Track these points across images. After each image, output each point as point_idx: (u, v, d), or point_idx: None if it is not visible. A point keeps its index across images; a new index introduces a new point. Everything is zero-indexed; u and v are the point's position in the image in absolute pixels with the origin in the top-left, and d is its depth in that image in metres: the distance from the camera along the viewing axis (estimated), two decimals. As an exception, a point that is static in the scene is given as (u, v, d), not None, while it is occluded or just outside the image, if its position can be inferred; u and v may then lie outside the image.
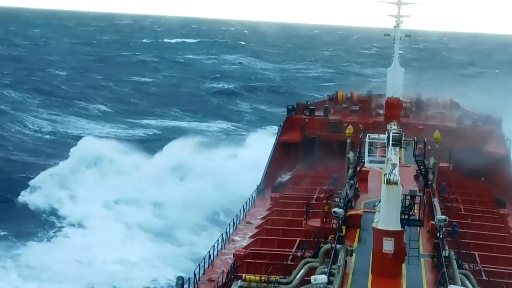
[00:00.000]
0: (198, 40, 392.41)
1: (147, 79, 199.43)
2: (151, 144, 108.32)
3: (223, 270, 43.41)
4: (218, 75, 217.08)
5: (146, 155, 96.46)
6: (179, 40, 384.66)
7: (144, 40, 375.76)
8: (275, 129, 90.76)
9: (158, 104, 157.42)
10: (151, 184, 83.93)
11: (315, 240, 43.43)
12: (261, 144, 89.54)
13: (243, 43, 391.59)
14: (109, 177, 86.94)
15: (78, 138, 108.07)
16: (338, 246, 39.08)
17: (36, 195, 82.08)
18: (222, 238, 50.97)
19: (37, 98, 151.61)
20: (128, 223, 73.23)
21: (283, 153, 74.01)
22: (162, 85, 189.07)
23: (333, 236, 40.97)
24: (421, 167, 53.87)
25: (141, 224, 73.19)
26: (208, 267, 45.94)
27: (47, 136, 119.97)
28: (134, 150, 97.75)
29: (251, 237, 52.37)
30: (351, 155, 55.37)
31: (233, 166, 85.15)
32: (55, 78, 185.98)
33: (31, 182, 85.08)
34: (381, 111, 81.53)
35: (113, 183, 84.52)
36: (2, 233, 70.45)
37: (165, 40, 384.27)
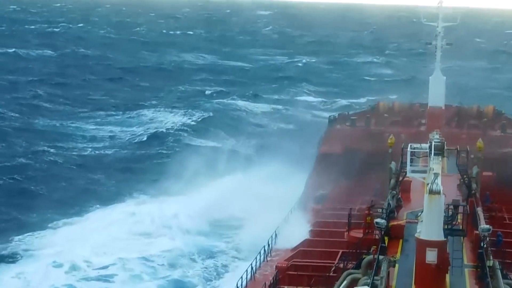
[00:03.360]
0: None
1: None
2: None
3: (265, 283, 43.33)
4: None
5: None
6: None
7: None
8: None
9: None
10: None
11: (357, 251, 43.18)
12: None
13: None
14: None
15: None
16: (381, 257, 38.79)
17: None
18: (264, 250, 50.92)
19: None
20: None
21: (324, 165, 73.72)
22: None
23: (375, 247, 40.73)
24: (464, 176, 53.33)
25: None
26: (251, 279, 45.93)
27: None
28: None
29: (293, 249, 52.24)
30: (393, 165, 55.02)
31: None
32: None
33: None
34: (423, 121, 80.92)
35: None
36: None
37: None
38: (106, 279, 59.32)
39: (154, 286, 58.60)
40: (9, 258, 63.12)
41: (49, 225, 71.73)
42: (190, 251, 65.75)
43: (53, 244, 65.72)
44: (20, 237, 68.06)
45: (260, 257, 49.48)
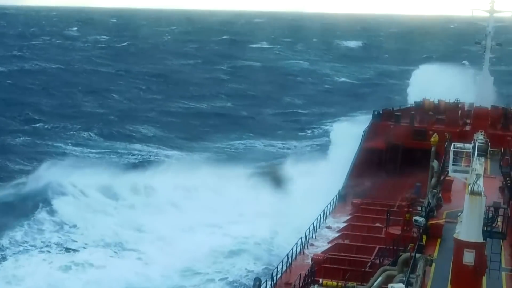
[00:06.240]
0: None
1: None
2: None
3: (300, 274, 43.41)
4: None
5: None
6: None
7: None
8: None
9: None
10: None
11: (395, 248, 43.03)
12: None
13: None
14: None
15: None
16: (418, 255, 38.56)
17: None
18: (301, 241, 50.98)
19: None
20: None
21: (366, 159, 73.56)
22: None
23: (413, 245, 40.55)
24: (507, 179, 52.77)
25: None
26: (286, 270, 46.04)
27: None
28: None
29: (330, 242, 52.25)
30: (435, 163, 54.64)
31: None
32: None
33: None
34: (468, 121, 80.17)
35: None
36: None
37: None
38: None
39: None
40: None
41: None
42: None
43: None
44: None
45: (296, 248, 49.56)
